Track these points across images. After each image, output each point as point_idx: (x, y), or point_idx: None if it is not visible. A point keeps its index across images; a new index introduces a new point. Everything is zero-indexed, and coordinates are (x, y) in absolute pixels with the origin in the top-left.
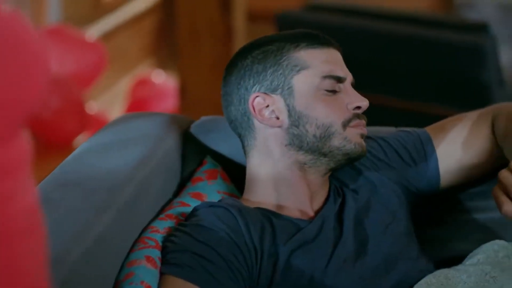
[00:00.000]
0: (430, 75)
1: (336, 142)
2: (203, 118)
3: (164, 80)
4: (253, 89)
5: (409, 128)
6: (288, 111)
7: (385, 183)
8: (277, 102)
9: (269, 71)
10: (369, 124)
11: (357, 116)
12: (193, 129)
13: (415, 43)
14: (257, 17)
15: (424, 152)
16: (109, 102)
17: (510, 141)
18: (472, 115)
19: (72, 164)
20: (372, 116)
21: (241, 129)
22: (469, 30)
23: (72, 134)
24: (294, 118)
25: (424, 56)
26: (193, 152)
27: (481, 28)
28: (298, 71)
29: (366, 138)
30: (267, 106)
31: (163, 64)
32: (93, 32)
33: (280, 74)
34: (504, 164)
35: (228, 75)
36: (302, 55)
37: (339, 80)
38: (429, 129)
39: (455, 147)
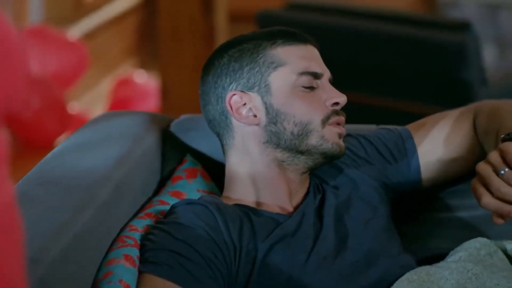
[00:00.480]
0: (413, 74)
1: (313, 140)
2: (183, 116)
3: (146, 80)
4: (230, 87)
5: (390, 126)
6: (266, 108)
7: (366, 180)
8: (254, 100)
9: (245, 69)
10: (350, 122)
11: (335, 112)
12: (173, 128)
13: (397, 42)
14: (238, 17)
15: (405, 149)
16: (90, 102)
17: (491, 138)
18: (454, 113)
19: (51, 162)
20: (354, 115)
21: (220, 128)
22: (452, 29)
23: (53, 134)
24: (271, 115)
25: (406, 55)
26: (173, 151)
27: (464, 27)
28: (275, 68)
29: (347, 135)
30: (244, 104)
31: (145, 64)
32: (75, 32)
33: (257, 71)
34: None
35: (205, 74)
36: (278, 52)
37: (316, 76)
38: (410, 126)
39: (436, 144)
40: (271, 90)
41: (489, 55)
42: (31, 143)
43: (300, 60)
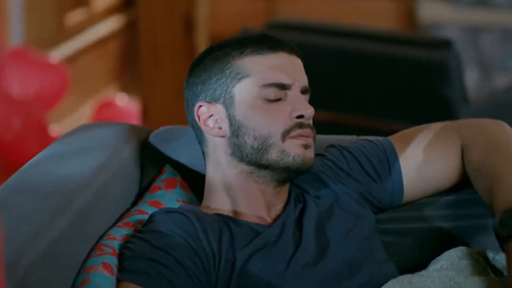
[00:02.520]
0: (395, 92)
1: (273, 155)
2: (162, 128)
3: (128, 103)
4: (200, 97)
5: (371, 137)
6: (229, 120)
7: (347, 192)
8: (220, 111)
9: (213, 79)
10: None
11: (299, 125)
12: (152, 139)
13: (378, 60)
14: (219, 37)
15: (389, 166)
16: (72, 125)
17: (481, 176)
18: (439, 128)
19: (28, 171)
20: (335, 134)
21: (197, 136)
22: (433, 47)
23: (34, 156)
24: (234, 128)
25: (388, 73)
26: (152, 162)
27: (445, 45)
28: (240, 79)
29: (330, 146)
30: (211, 115)
31: (126, 88)
32: (57, 55)
33: (223, 82)
34: (466, 181)
35: (186, 80)
36: (245, 62)
37: (283, 87)
38: (393, 139)
39: (421, 162)
40: (235, 102)
41: (471, 78)
42: (11, 165)
43: (265, 71)
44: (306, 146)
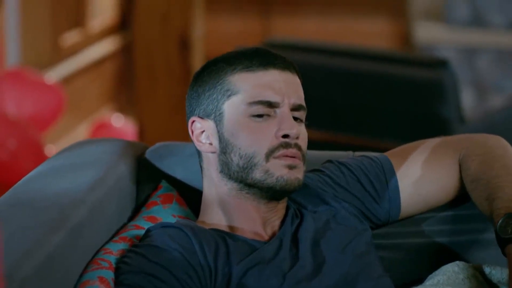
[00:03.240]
0: (390, 112)
1: (257, 174)
2: (158, 144)
3: (123, 124)
4: (195, 112)
5: (368, 153)
6: (219, 137)
7: (345, 207)
8: (211, 127)
9: (206, 94)
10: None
11: (284, 145)
12: (148, 155)
13: (374, 80)
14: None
15: (387, 183)
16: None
17: (479, 188)
18: (436, 144)
19: (23, 186)
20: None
21: (196, 151)
22: (429, 67)
23: None
24: (223, 145)
25: (384, 92)
26: (148, 178)
27: (441, 64)
28: (229, 96)
29: (327, 162)
30: (203, 131)
31: (122, 109)
32: (53, 76)
33: (214, 98)
34: (464, 195)
35: (187, 93)
36: (236, 79)
37: (270, 105)
38: (390, 155)
39: (419, 179)
40: (224, 119)
41: (466, 98)
42: (6, 185)
43: (253, 88)
44: (290, 167)
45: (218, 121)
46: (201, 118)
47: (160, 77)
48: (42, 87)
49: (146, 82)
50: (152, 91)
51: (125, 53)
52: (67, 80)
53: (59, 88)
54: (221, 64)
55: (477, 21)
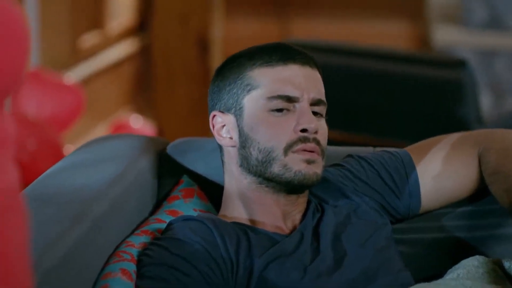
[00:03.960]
0: (409, 112)
1: (276, 169)
2: (179, 139)
3: (142, 125)
4: (216, 107)
5: (389, 149)
6: (239, 131)
7: (366, 201)
8: (231, 121)
9: (227, 89)
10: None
11: (302, 139)
12: (169, 150)
13: (393, 80)
14: None
15: (407, 177)
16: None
17: (499, 179)
18: (456, 139)
19: (45, 181)
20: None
21: (217, 145)
22: (448, 67)
23: None
24: (242, 139)
25: (402, 93)
26: (170, 173)
27: (460, 64)
28: (249, 91)
29: (348, 156)
30: (224, 125)
31: (141, 110)
32: (71, 77)
33: (234, 93)
34: (482, 189)
35: (208, 89)
36: (255, 74)
37: (289, 99)
38: (410, 150)
39: (439, 174)
40: (243, 113)
41: (483, 101)
42: (26, 185)
43: (273, 83)
44: (308, 161)
45: (238, 115)
46: (222, 112)
47: (178, 79)
48: (61, 88)
49: (164, 83)
50: (171, 93)
51: (144, 55)
52: (86, 81)
53: (78, 89)
54: (242, 59)
55: (495, 24)
